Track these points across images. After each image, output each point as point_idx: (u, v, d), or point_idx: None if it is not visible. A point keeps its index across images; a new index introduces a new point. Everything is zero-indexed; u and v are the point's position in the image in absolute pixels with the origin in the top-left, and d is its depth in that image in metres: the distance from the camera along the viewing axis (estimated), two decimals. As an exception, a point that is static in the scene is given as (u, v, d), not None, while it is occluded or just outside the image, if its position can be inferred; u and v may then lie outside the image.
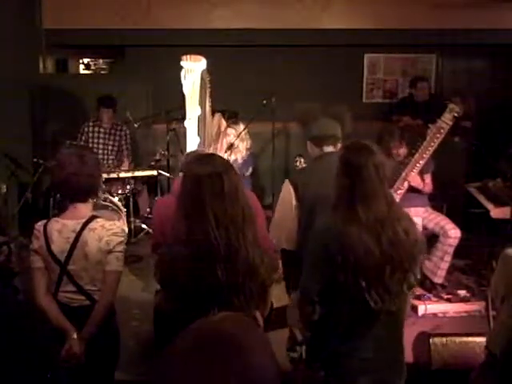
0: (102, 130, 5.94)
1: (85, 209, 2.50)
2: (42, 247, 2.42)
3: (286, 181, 3.00)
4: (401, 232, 2.15)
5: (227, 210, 1.97)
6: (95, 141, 5.93)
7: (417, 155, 4.33)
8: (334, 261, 2.10)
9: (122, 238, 2.49)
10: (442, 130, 4.16)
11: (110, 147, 5.99)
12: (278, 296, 3.92)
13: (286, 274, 3.15)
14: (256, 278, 2.00)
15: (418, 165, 4.35)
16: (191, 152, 3.21)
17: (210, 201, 1.96)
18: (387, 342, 2.25)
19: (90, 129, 5.93)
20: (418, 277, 2.29)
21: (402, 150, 4.55)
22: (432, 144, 4.24)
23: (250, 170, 5.63)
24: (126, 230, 5.29)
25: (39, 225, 2.48)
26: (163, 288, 2.13)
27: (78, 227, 2.42)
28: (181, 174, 2.61)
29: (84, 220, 2.44)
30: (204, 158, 2.17)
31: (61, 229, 2.43)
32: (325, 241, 2.15)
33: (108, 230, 2.44)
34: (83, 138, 5.90)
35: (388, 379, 2.27)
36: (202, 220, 1.96)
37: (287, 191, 2.94)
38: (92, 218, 2.46)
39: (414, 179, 4.39)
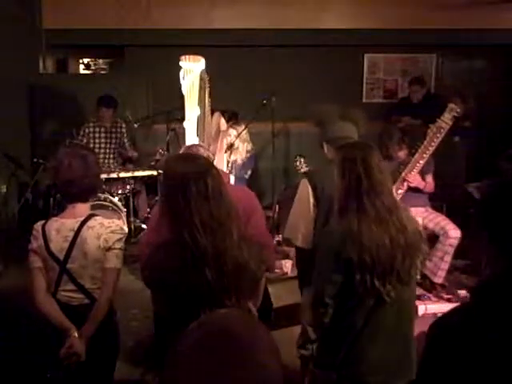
0: (102, 129, 5.94)
1: (83, 208, 2.50)
2: (41, 247, 2.42)
3: (304, 180, 2.99)
4: (404, 219, 2.19)
5: (213, 212, 1.95)
6: (96, 141, 5.94)
7: (417, 155, 4.33)
8: (350, 261, 2.10)
9: (121, 235, 2.49)
10: (441, 130, 4.16)
11: (112, 145, 6.00)
12: (278, 296, 3.93)
13: (299, 272, 3.16)
14: (246, 273, 1.99)
15: (418, 165, 4.35)
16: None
17: (195, 204, 1.94)
18: (398, 337, 2.25)
19: (91, 129, 5.93)
20: (422, 268, 2.32)
21: (403, 151, 4.55)
22: (432, 144, 4.25)
23: (249, 172, 5.63)
24: (126, 229, 5.29)
25: (38, 225, 2.48)
26: (151, 289, 2.12)
27: (77, 226, 2.42)
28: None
29: (82, 218, 2.44)
30: (187, 159, 2.15)
31: (59, 228, 2.43)
32: (339, 244, 2.14)
33: (107, 227, 2.44)
34: (84, 139, 5.90)
35: (400, 375, 2.26)
36: (189, 224, 1.94)
37: (305, 190, 2.93)
38: (90, 217, 2.46)
39: (415, 179, 4.39)
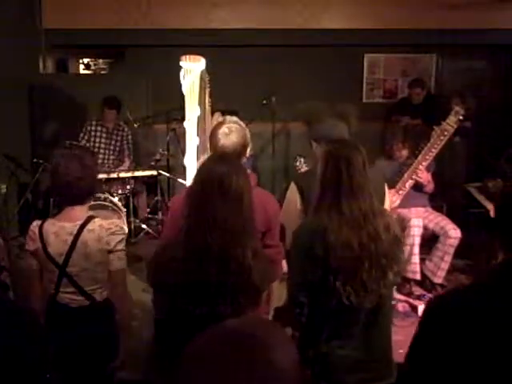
0: (104, 129, 5.93)
1: (81, 210, 2.47)
2: (39, 249, 2.41)
3: (292, 183, 2.97)
4: (381, 228, 2.14)
5: (228, 218, 1.95)
6: (97, 140, 5.93)
7: (420, 157, 4.33)
8: (315, 259, 2.09)
9: (122, 236, 2.47)
10: (445, 133, 4.16)
11: (111, 147, 5.99)
12: (278, 296, 3.92)
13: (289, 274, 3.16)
14: (248, 286, 1.98)
15: (420, 166, 4.35)
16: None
17: (213, 200, 1.95)
18: (374, 340, 2.23)
19: (93, 128, 5.93)
20: (399, 278, 2.28)
21: (405, 151, 4.55)
22: (435, 146, 4.24)
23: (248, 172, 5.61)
24: (126, 229, 5.28)
25: (34, 226, 2.45)
26: (153, 288, 2.12)
27: (76, 229, 2.40)
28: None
29: (81, 222, 2.42)
30: (219, 158, 2.16)
31: (57, 231, 2.41)
32: (307, 241, 2.14)
33: (107, 229, 2.43)
34: (85, 137, 5.90)
35: (376, 377, 2.26)
36: (201, 220, 1.95)
37: (293, 194, 2.91)
38: (89, 219, 2.44)
39: (423, 175, 4.39)
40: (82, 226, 2.41)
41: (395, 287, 2.44)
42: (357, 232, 2.10)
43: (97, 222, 2.45)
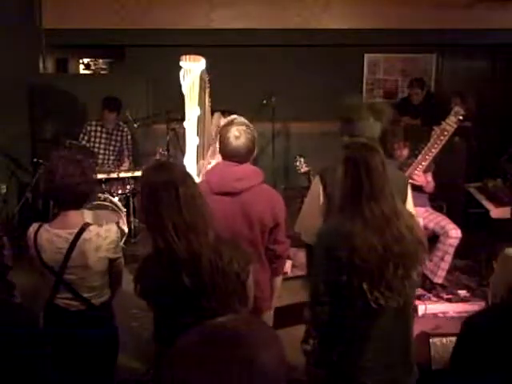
0: (104, 130, 5.93)
1: (76, 216, 2.42)
2: (34, 256, 2.39)
3: (317, 176, 2.98)
4: (404, 229, 2.14)
5: (185, 217, 1.97)
6: (97, 140, 5.93)
7: (420, 157, 4.32)
8: (339, 262, 2.10)
9: (119, 243, 2.48)
10: (445, 133, 4.15)
11: (111, 147, 5.99)
12: (278, 296, 3.92)
13: (307, 267, 3.16)
14: (228, 275, 2.00)
15: (420, 166, 4.34)
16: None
17: (167, 211, 1.97)
18: (394, 341, 2.23)
19: (93, 128, 5.92)
20: (419, 278, 2.29)
21: (405, 151, 4.55)
22: (435, 146, 4.24)
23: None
24: (126, 229, 5.28)
25: (30, 231, 2.41)
26: (144, 300, 2.15)
27: (71, 238, 2.35)
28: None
29: (76, 230, 2.37)
30: (160, 168, 2.13)
31: (51, 239, 2.37)
32: (331, 243, 2.14)
33: (104, 238, 2.39)
34: (85, 137, 5.90)
35: (396, 378, 2.25)
36: (162, 231, 1.97)
37: (316, 187, 2.93)
38: (84, 227, 2.38)
39: (420, 178, 4.39)
40: (78, 235, 2.36)
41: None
42: (380, 235, 2.10)
43: (93, 230, 2.39)
